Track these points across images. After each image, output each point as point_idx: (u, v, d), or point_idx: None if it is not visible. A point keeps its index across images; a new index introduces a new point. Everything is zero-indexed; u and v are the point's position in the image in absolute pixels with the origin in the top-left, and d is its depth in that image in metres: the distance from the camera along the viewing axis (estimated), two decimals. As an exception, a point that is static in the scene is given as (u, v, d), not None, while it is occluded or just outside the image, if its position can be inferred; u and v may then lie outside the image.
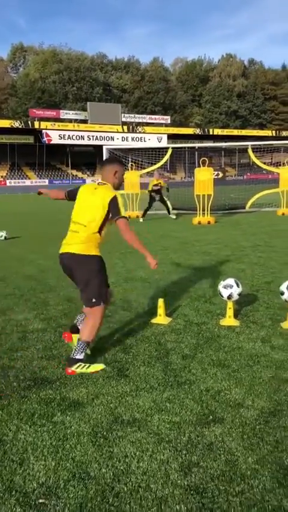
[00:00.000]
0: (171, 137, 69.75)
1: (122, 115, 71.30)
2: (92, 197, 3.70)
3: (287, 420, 2.78)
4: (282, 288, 4.54)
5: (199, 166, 14.66)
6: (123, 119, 70.67)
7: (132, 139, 67.18)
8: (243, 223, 14.12)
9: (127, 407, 3.01)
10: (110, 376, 3.48)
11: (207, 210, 14.65)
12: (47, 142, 62.89)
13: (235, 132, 77.08)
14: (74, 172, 70.54)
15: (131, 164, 17.88)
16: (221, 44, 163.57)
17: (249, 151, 17.52)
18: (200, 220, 14.37)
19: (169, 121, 75.97)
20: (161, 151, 19.59)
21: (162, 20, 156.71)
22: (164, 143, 64.28)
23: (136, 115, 75.16)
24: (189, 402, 3.05)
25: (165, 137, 69.60)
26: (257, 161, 18.42)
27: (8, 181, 62.17)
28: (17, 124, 61.44)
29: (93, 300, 3.64)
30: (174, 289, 6.07)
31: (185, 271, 7.19)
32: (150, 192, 15.29)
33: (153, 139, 67.91)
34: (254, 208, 18.16)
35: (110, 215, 3.63)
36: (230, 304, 4.70)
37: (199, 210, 14.70)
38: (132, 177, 17.16)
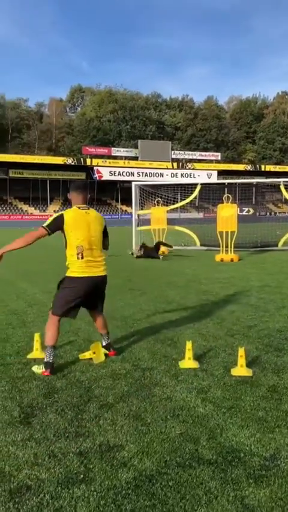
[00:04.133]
0: (222, 174, 69.76)
1: (172, 152, 72.48)
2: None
3: (160, 487, 2.48)
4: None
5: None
6: (173, 156, 71.79)
7: (182, 175, 67.90)
8: (268, 262, 13.59)
9: None
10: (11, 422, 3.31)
11: (230, 247, 14.28)
12: (98, 179, 64.83)
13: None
14: (124, 207, 71.95)
15: (158, 200, 17.91)
16: (276, 82, 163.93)
17: (282, 187, 17.06)
18: (223, 257, 13.99)
19: (220, 158, 76.23)
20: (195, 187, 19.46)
21: (217, 61, 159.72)
22: (214, 179, 64.38)
23: (186, 152, 76.24)
24: (75, 457, 2.81)
25: (215, 173, 69.79)
26: (290, 198, 17.87)
27: (60, 215, 64.30)
28: (70, 161, 64.07)
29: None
30: (146, 329, 5.83)
31: (169, 310, 6.92)
32: None
33: (203, 175, 68.24)
34: (290, 247, 17.45)
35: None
36: (189, 346, 4.43)
37: (222, 247, 14.35)
38: (159, 213, 17.15)
